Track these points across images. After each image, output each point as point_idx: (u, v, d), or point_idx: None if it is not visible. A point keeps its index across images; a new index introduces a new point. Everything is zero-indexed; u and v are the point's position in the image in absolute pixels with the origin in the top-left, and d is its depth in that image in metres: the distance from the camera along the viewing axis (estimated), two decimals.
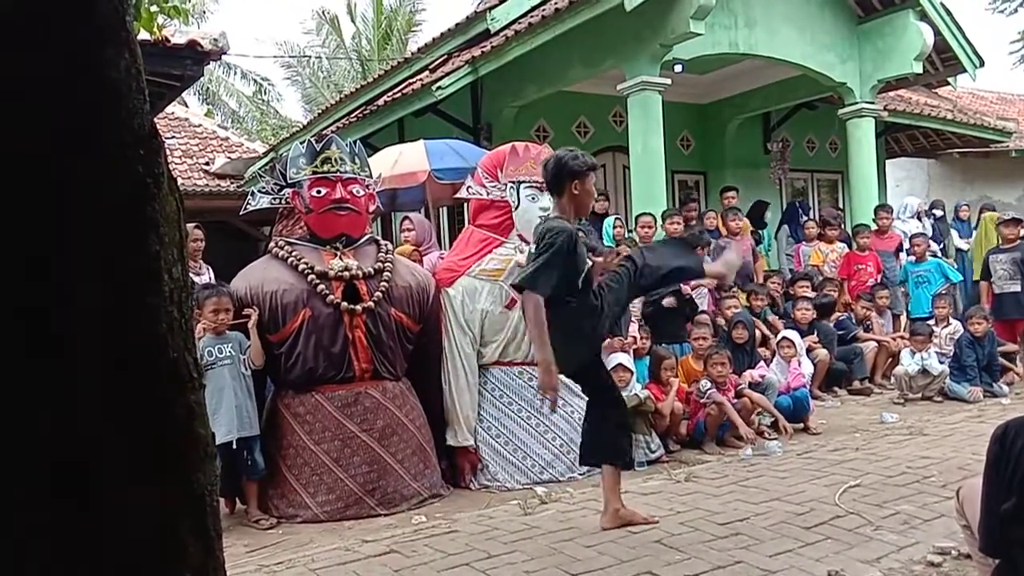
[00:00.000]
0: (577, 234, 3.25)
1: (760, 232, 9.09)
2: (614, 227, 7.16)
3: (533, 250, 3.29)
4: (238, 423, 4.14)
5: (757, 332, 6.55)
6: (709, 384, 5.25)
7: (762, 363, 6.05)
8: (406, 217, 6.63)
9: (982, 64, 9.60)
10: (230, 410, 4.12)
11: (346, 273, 4.39)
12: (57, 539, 0.96)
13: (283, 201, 4.58)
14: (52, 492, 0.96)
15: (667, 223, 7.13)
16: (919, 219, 9.57)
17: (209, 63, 6.73)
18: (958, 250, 9.95)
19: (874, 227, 8.59)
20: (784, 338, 6.18)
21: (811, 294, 7.29)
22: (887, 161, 12.87)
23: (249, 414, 4.22)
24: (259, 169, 10.64)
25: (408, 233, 6.23)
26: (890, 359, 7.29)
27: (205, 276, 5.67)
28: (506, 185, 4.80)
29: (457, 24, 9.58)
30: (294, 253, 4.44)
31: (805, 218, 9.62)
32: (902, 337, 7.46)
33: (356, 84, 14.37)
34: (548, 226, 3.25)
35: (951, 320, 7.49)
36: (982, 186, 14.80)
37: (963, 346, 6.71)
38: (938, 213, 10.07)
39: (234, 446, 4.13)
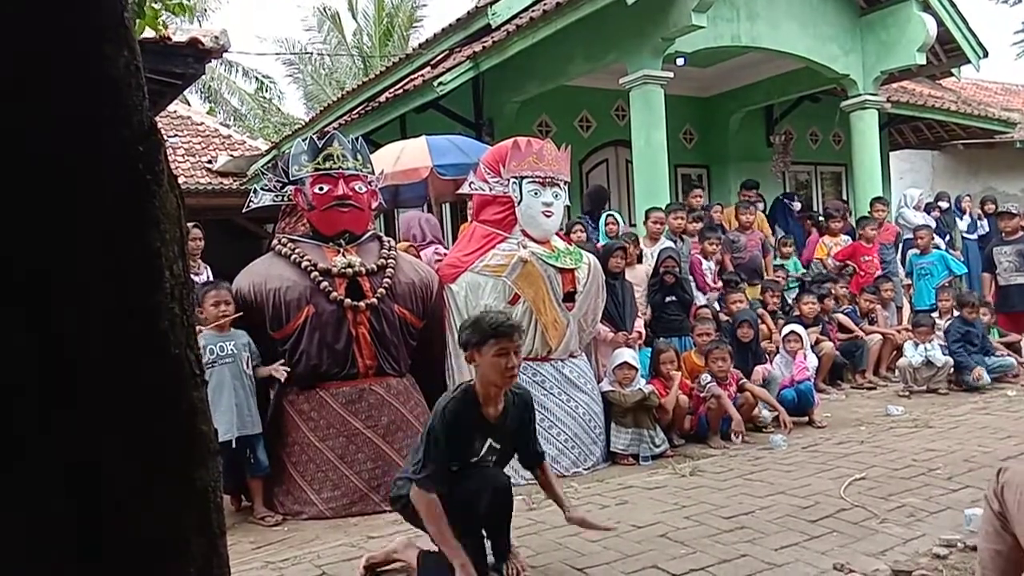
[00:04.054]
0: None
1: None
2: (606, 223, 7.01)
3: None
4: (238, 422, 4.14)
5: (762, 327, 6.52)
6: (709, 378, 5.25)
7: (768, 363, 6.04)
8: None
9: (986, 55, 9.57)
10: (230, 409, 4.12)
11: (349, 270, 4.39)
12: (61, 536, 0.96)
13: (285, 198, 4.57)
14: (55, 490, 0.96)
15: (670, 217, 7.12)
16: (927, 211, 9.55)
17: (210, 61, 6.74)
18: (963, 239, 9.92)
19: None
20: (791, 332, 6.16)
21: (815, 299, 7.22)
22: (891, 153, 12.83)
23: (250, 413, 4.22)
24: (261, 167, 10.65)
25: (403, 232, 6.26)
26: (894, 351, 7.28)
27: (203, 276, 5.68)
28: (508, 180, 4.79)
29: (458, 19, 9.57)
30: (297, 250, 4.44)
31: (798, 205, 9.60)
32: (906, 329, 7.44)
33: (358, 81, 14.37)
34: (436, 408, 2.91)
35: (954, 312, 7.47)
36: (986, 177, 14.74)
37: (956, 328, 6.74)
38: (943, 205, 10.04)
39: (234, 445, 4.13)
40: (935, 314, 7.38)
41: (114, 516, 0.99)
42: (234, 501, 4.40)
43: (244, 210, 4.83)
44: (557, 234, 5.06)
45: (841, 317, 7.31)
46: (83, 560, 0.98)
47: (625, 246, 5.90)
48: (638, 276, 6.21)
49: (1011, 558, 2.12)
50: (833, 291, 7.44)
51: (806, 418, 5.63)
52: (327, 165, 4.46)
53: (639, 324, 5.74)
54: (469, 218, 5.41)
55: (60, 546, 0.96)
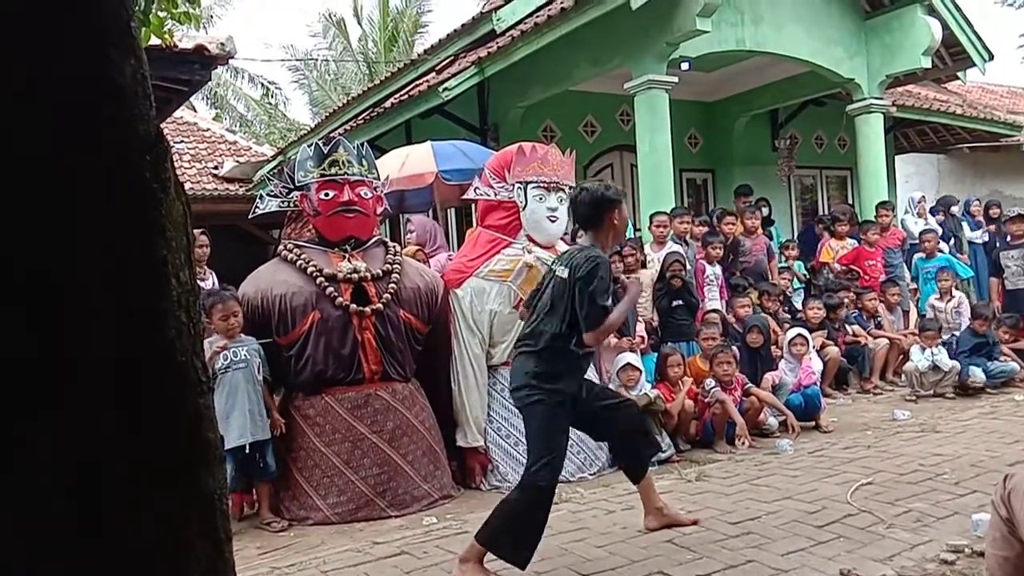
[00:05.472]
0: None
1: (770, 230, 9.04)
2: None
3: (570, 276, 3.06)
4: (251, 427, 4.16)
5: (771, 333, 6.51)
6: (713, 383, 5.24)
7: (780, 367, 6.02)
8: (409, 219, 6.65)
9: (991, 58, 9.55)
10: (243, 414, 4.15)
11: (355, 275, 4.40)
12: (66, 540, 0.97)
13: (291, 204, 4.59)
14: (60, 493, 0.96)
15: (675, 222, 7.11)
16: (932, 214, 9.52)
17: (216, 67, 6.76)
18: (970, 243, 9.88)
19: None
20: (798, 335, 6.15)
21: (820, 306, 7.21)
22: (896, 157, 12.79)
23: (262, 417, 4.25)
24: (267, 173, 10.66)
25: (410, 235, 6.26)
26: (901, 356, 7.25)
27: (209, 282, 5.70)
28: (513, 186, 4.80)
29: (463, 25, 9.59)
30: (303, 256, 4.45)
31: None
32: (912, 333, 7.42)
33: (363, 86, 14.41)
34: (587, 256, 3.08)
35: (954, 293, 7.51)
36: (992, 181, 14.69)
37: (966, 339, 6.77)
38: (955, 210, 10.00)
39: (247, 450, 4.15)
40: (935, 296, 7.40)
41: (114, 517, 1.00)
42: (236, 508, 4.40)
43: (250, 216, 4.85)
44: (562, 239, 5.06)
45: (856, 328, 7.29)
46: (83, 560, 0.98)
47: (618, 250, 5.92)
48: (643, 281, 6.21)
49: (1019, 564, 2.11)
50: (844, 299, 7.42)
51: (813, 423, 5.61)
52: (333, 171, 4.48)
53: (640, 328, 5.74)
54: (475, 223, 5.42)
55: (60, 546, 0.97)
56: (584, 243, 3.26)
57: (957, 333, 7.37)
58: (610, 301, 3.05)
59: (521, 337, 3.24)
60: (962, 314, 7.59)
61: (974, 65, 9.68)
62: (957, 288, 7.73)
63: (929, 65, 9.16)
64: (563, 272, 3.10)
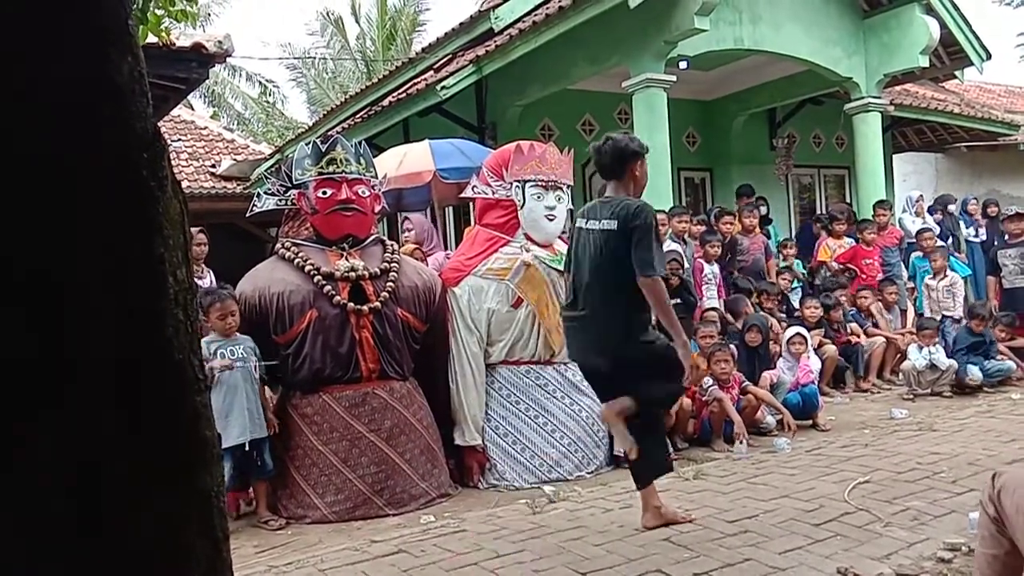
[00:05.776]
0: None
1: (768, 229, 9.05)
2: None
3: (621, 225, 3.17)
4: (250, 425, 4.17)
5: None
6: (711, 381, 5.25)
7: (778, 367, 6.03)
8: (406, 218, 6.65)
9: (989, 57, 9.56)
10: (243, 412, 4.15)
11: (352, 274, 4.40)
12: (66, 540, 0.97)
13: (289, 202, 4.59)
14: (60, 493, 0.96)
15: (674, 221, 7.11)
16: (927, 214, 9.53)
17: (214, 66, 6.76)
18: (968, 242, 9.89)
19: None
20: (796, 333, 6.16)
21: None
22: (894, 156, 12.80)
23: (259, 416, 4.25)
24: (265, 171, 10.64)
25: (408, 233, 6.26)
26: (898, 355, 7.26)
27: (207, 280, 5.69)
28: (511, 184, 4.80)
29: (461, 23, 9.58)
30: (300, 254, 4.45)
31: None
32: (910, 332, 7.43)
33: (361, 85, 14.39)
34: (635, 204, 3.20)
35: (947, 272, 7.58)
36: (990, 180, 14.70)
37: (963, 337, 6.82)
38: (952, 209, 10.00)
39: (247, 447, 4.15)
40: (929, 276, 7.48)
41: (114, 517, 1.00)
42: (232, 506, 4.40)
43: (248, 214, 4.84)
44: (560, 237, 5.06)
45: (854, 327, 7.30)
46: (83, 560, 0.98)
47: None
48: None
49: (1008, 563, 2.12)
50: (840, 299, 7.42)
51: (810, 421, 5.62)
52: (330, 169, 4.48)
53: None
54: (473, 222, 5.42)
55: (60, 546, 0.97)
56: (611, 195, 3.33)
57: (948, 313, 7.45)
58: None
59: (589, 300, 3.27)
60: (955, 294, 7.69)
61: (972, 64, 9.69)
62: (952, 268, 7.86)
63: (927, 64, 9.18)
64: (610, 224, 3.19)
